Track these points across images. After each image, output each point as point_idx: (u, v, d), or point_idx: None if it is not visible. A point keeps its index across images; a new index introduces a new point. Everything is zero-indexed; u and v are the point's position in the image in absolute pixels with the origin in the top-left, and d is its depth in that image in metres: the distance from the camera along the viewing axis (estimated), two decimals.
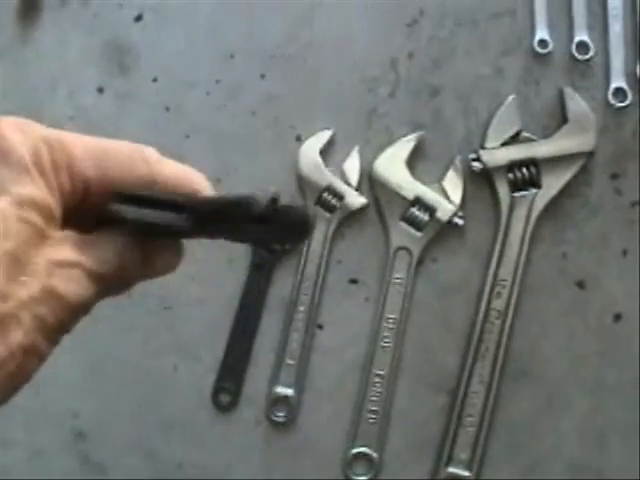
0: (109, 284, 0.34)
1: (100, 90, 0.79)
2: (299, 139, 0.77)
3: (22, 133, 0.32)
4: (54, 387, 0.76)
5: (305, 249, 0.77)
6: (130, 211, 0.33)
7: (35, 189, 0.32)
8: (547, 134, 0.75)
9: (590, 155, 0.75)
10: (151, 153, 0.35)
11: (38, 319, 0.31)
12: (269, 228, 0.32)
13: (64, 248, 0.32)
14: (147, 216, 0.33)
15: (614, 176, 0.76)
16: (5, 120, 0.33)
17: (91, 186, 0.34)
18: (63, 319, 0.33)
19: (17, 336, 0.31)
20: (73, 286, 0.32)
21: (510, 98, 0.76)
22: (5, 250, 0.31)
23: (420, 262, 0.76)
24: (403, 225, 0.76)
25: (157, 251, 0.37)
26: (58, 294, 0.32)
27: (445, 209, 0.75)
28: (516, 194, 0.75)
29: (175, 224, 0.33)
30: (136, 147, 0.35)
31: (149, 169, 0.35)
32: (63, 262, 0.32)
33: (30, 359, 0.32)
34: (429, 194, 0.76)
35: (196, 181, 0.36)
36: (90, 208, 0.35)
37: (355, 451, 0.76)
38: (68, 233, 0.33)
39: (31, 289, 0.31)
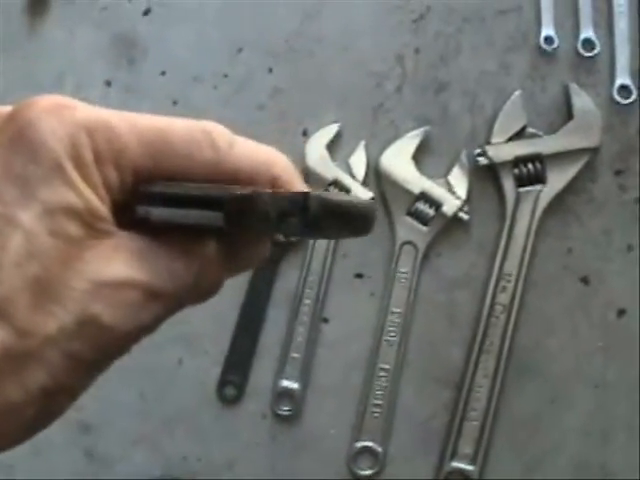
0: (181, 300, 0.28)
1: (108, 83, 0.79)
2: (306, 133, 0.78)
3: (57, 119, 0.26)
4: None
5: (311, 243, 0.77)
6: (155, 212, 0.28)
7: (69, 191, 0.26)
8: (552, 130, 0.76)
9: (595, 151, 0.76)
10: (221, 136, 0.29)
11: (71, 356, 0.26)
12: (315, 223, 0.26)
13: (114, 262, 0.27)
14: (174, 217, 0.28)
15: (618, 172, 0.77)
16: (38, 103, 0.27)
17: (143, 176, 0.28)
18: (107, 353, 0.27)
19: (38, 377, 0.26)
20: (124, 312, 0.26)
21: (516, 94, 0.76)
22: (29, 275, 0.25)
23: (425, 256, 0.76)
24: (409, 219, 0.76)
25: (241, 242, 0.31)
26: (101, 324, 0.26)
27: (451, 204, 0.75)
28: (521, 189, 0.75)
29: (207, 224, 0.27)
30: (204, 129, 0.29)
31: (216, 156, 0.29)
32: (111, 282, 0.26)
33: (57, 400, 0.27)
34: (435, 189, 0.76)
35: (275, 164, 0.31)
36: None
37: (360, 445, 0.76)
38: (122, 239, 0.27)
39: (63, 320, 0.26)
